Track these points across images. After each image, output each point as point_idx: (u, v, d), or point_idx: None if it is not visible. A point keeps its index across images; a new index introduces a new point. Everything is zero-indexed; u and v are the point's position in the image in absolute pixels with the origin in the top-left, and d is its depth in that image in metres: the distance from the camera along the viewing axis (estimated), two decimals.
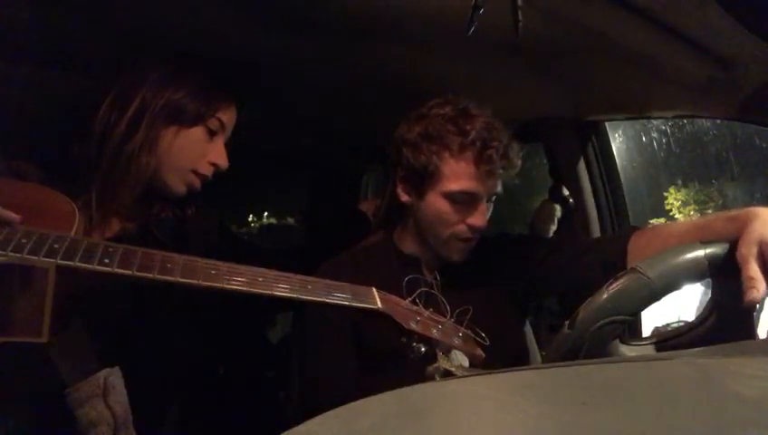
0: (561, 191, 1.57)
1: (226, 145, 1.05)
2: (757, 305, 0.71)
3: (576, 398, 0.39)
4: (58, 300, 0.66)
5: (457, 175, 1.02)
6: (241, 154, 1.07)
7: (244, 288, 0.72)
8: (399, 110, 1.10)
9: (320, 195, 2.52)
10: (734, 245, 0.68)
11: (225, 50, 1.06)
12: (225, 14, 0.98)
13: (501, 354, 0.89)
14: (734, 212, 0.75)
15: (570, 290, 1.09)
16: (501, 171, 1.03)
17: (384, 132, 1.14)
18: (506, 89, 1.27)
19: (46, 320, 0.65)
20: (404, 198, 1.10)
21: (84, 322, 0.78)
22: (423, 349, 0.82)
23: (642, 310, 0.68)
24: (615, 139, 1.61)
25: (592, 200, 1.53)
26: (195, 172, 1.02)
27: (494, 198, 1.08)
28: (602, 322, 0.64)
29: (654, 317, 1.26)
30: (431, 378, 0.77)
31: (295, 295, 0.74)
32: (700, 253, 0.68)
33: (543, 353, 1.36)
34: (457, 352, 0.84)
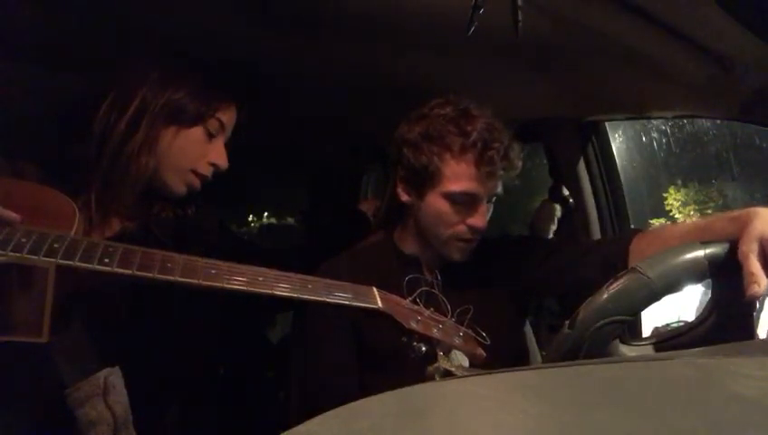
0: (561, 191, 1.57)
1: (226, 145, 1.05)
2: (757, 305, 0.71)
3: (576, 398, 0.40)
4: (58, 300, 0.66)
5: (458, 176, 1.02)
6: (241, 154, 1.07)
7: (245, 288, 0.72)
8: (399, 110, 1.10)
9: (320, 195, 2.52)
10: (734, 245, 0.68)
11: (225, 50, 1.06)
12: (225, 14, 0.98)
13: (501, 354, 0.89)
14: (734, 213, 0.75)
15: (570, 291, 1.09)
16: (501, 172, 1.03)
17: (384, 132, 1.14)
18: (506, 89, 1.27)
19: (46, 320, 0.65)
20: (404, 198, 1.10)
21: (84, 322, 0.78)
22: (423, 348, 0.82)
23: (642, 310, 0.68)
24: (615, 139, 1.61)
25: (592, 200, 1.53)
26: (194, 172, 1.02)
27: (494, 198, 1.08)
28: (602, 322, 0.64)
29: (654, 317, 1.26)
30: (431, 378, 0.77)
31: (296, 295, 0.74)
32: (700, 253, 0.68)
33: (543, 353, 1.36)
34: (457, 351, 0.84)
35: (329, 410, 0.38)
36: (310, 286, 0.76)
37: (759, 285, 0.63)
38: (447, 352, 0.82)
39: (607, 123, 1.55)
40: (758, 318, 0.73)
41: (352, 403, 0.39)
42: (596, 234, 1.51)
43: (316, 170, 2.54)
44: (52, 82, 1.16)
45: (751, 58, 0.95)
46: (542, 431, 0.34)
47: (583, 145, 1.53)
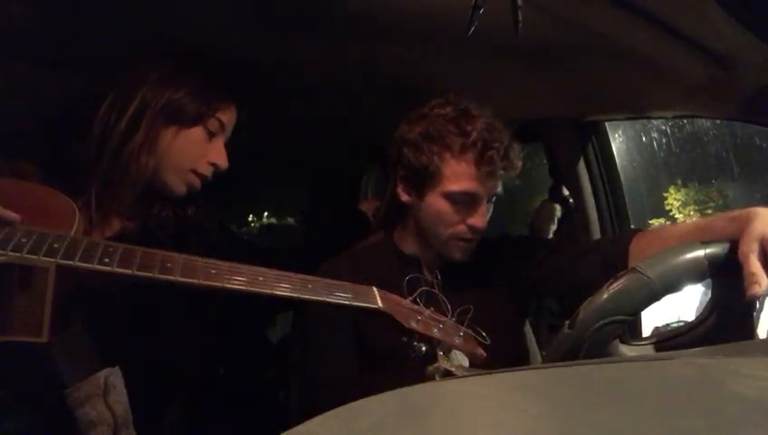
0: (561, 191, 1.57)
1: (226, 145, 1.05)
2: (757, 305, 0.71)
3: (576, 398, 0.39)
4: (58, 300, 0.66)
5: (458, 175, 1.02)
6: (241, 154, 1.07)
7: (245, 287, 0.72)
8: (399, 110, 1.10)
9: (320, 195, 2.52)
10: (734, 245, 0.68)
11: (225, 50, 1.06)
12: (224, 13, 0.98)
13: (501, 354, 0.88)
14: (734, 212, 0.75)
15: (570, 291, 1.09)
16: (501, 172, 1.03)
17: (384, 132, 1.14)
18: (506, 89, 1.27)
19: (46, 320, 0.65)
20: (404, 197, 1.10)
21: (84, 322, 0.78)
22: (423, 348, 0.82)
23: (642, 310, 0.68)
24: (615, 139, 1.61)
25: (592, 200, 1.53)
26: (195, 172, 1.02)
27: (494, 198, 1.08)
28: (602, 322, 0.64)
29: (654, 317, 1.26)
30: (431, 378, 0.77)
31: (296, 295, 0.74)
32: (700, 253, 0.68)
33: (543, 353, 1.36)
34: (458, 351, 0.84)
35: (329, 410, 0.38)
36: (310, 286, 0.76)
37: (759, 285, 0.63)
38: (447, 352, 0.82)
39: (607, 123, 1.55)
40: (758, 318, 0.73)
41: (352, 403, 0.39)
42: (596, 234, 1.51)
43: (316, 170, 2.54)
44: (52, 82, 1.16)
45: (751, 58, 0.95)
46: (542, 431, 0.34)
47: (583, 145, 1.53)
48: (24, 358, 0.71)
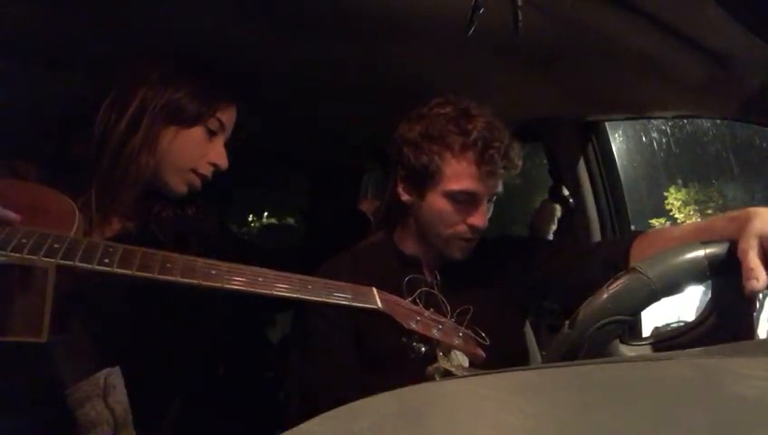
0: (561, 191, 1.57)
1: (226, 145, 1.05)
2: (757, 305, 0.71)
3: (576, 398, 0.39)
4: (58, 300, 0.66)
5: (458, 175, 1.02)
6: (241, 154, 1.07)
7: (245, 288, 0.72)
8: (399, 110, 1.10)
9: (320, 195, 2.52)
10: (734, 244, 0.68)
11: (225, 50, 1.06)
12: (225, 14, 0.98)
13: (501, 354, 0.88)
14: (734, 212, 0.75)
15: (571, 293, 1.09)
16: (502, 171, 1.03)
17: (384, 132, 1.14)
18: (506, 89, 1.27)
19: (46, 320, 0.65)
20: (404, 197, 1.10)
21: (84, 322, 0.78)
22: (423, 349, 0.82)
23: (642, 310, 0.68)
24: (615, 139, 1.61)
25: (592, 200, 1.53)
26: (195, 172, 1.02)
27: (494, 198, 1.08)
28: (602, 322, 0.64)
29: (654, 317, 1.26)
30: (431, 378, 0.77)
31: (296, 295, 0.74)
32: (700, 253, 0.68)
33: (543, 353, 1.36)
34: (457, 352, 0.83)
35: (329, 410, 0.38)
36: (310, 287, 0.76)
37: (758, 280, 0.63)
38: (447, 353, 0.82)
39: (607, 123, 1.55)
40: (758, 318, 0.73)
41: (352, 403, 0.39)
42: (596, 234, 1.51)
43: (316, 170, 2.54)
44: (52, 82, 1.16)
45: (751, 58, 0.95)
46: (542, 431, 0.34)
47: (583, 145, 1.53)
48: (24, 358, 0.71)
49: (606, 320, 0.64)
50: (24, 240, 0.66)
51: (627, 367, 0.53)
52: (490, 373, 0.55)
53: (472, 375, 0.73)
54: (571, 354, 0.64)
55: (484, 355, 0.87)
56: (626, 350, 0.71)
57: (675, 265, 0.67)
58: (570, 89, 1.32)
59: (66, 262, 0.66)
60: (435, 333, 0.82)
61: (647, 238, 0.94)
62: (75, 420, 0.72)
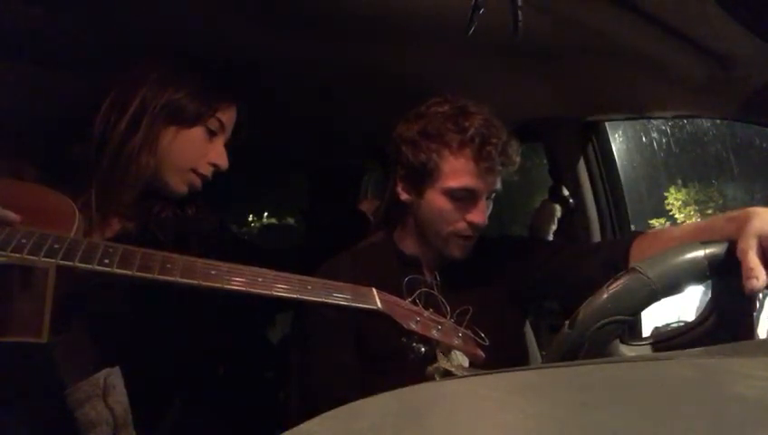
0: (561, 191, 1.57)
1: (226, 145, 1.05)
2: (757, 305, 0.71)
3: (576, 398, 0.39)
4: (58, 300, 0.66)
5: (457, 172, 1.02)
6: (241, 154, 1.07)
7: (244, 288, 0.72)
8: (399, 109, 1.10)
9: (320, 195, 2.52)
10: (733, 244, 0.68)
11: (225, 50, 1.06)
12: (225, 14, 0.98)
13: (501, 354, 0.88)
14: (733, 213, 0.75)
15: (571, 293, 1.09)
16: (500, 168, 1.04)
17: (384, 132, 1.14)
18: (506, 89, 1.27)
19: (46, 320, 0.65)
20: (404, 196, 1.10)
21: (84, 322, 0.78)
22: (423, 349, 0.82)
23: (642, 310, 0.68)
24: (615, 139, 1.61)
25: (592, 200, 1.53)
26: (195, 172, 1.02)
27: (493, 195, 1.08)
28: (602, 322, 0.64)
29: (654, 317, 1.26)
30: (431, 378, 0.77)
31: (295, 296, 0.74)
32: (700, 253, 0.68)
33: (543, 353, 1.36)
34: (457, 352, 0.83)
35: (329, 410, 0.38)
36: (309, 287, 0.76)
37: (758, 280, 0.63)
38: (447, 353, 0.82)
39: (607, 123, 1.55)
40: (758, 318, 0.73)
41: (352, 403, 0.39)
42: (596, 234, 1.51)
43: (316, 170, 2.54)
44: (52, 82, 1.16)
45: (751, 58, 0.95)
46: (542, 431, 0.34)
47: (583, 145, 1.53)
48: (23, 358, 0.71)
49: (606, 320, 0.64)
50: (24, 240, 0.66)
51: (627, 367, 0.53)
52: (490, 373, 0.55)
53: (472, 375, 0.73)
54: (571, 354, 0.64)
55: (484, 355, 0.87)
56: (626, 350, 0.71)
57: (675, 265, 0.67)
58: (570, 89, 1.32)
59: (66, 262, 0.66)
60: (434, 334, 0.82)
61: (646, 238, 0.94)
62: (75, 420, 0.72)
